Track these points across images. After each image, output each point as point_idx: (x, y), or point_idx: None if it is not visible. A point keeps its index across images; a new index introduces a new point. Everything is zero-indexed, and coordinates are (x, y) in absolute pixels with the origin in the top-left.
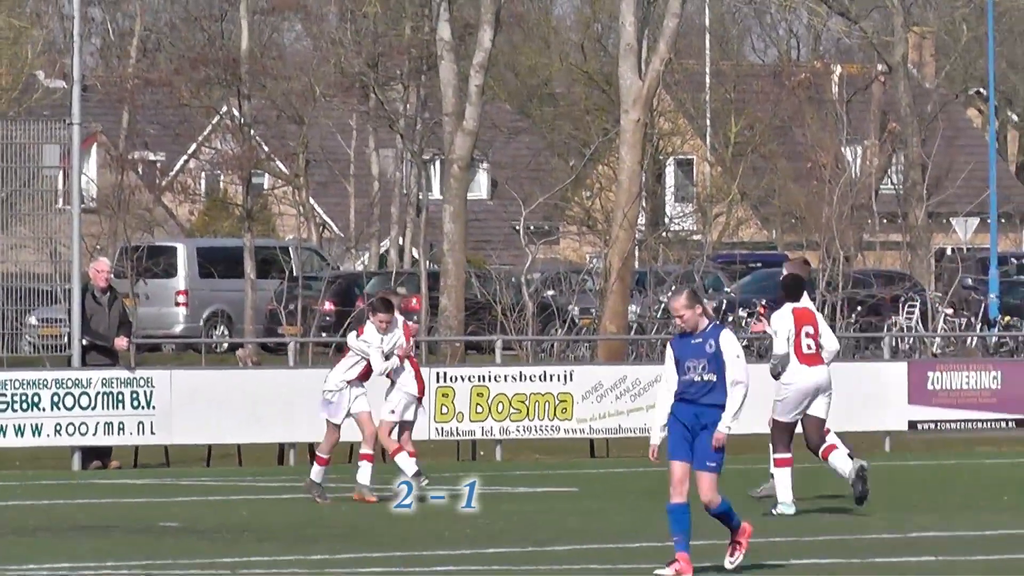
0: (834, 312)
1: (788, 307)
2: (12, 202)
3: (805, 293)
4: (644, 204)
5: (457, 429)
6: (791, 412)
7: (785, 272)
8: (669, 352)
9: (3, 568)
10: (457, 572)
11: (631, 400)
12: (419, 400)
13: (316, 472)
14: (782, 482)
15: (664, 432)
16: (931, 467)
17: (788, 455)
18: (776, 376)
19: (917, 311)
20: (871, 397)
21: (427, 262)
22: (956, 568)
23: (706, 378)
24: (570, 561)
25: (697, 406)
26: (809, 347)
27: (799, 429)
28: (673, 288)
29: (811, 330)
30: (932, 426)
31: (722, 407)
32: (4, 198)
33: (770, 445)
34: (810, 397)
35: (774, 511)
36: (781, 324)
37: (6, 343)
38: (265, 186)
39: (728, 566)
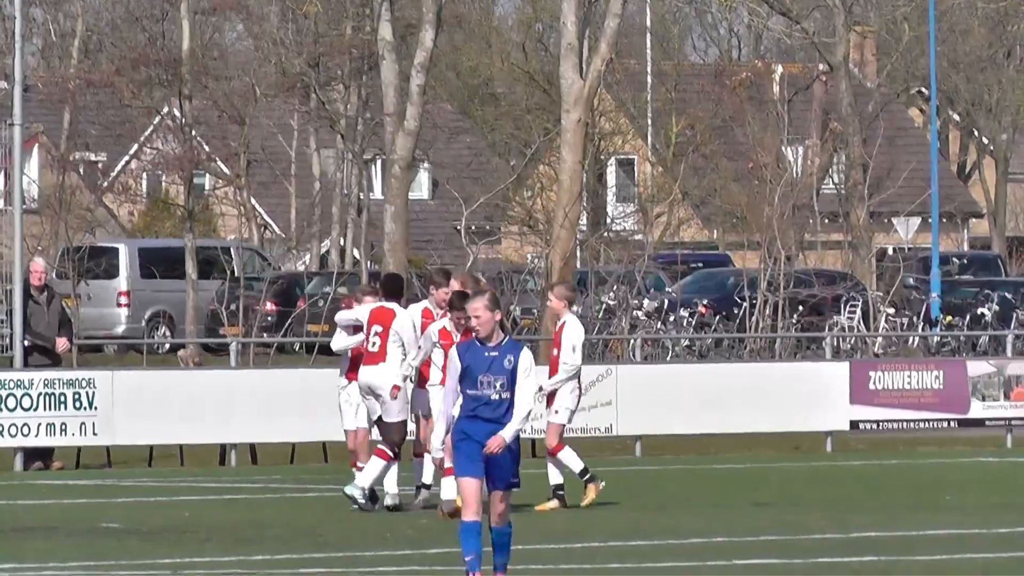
0: (775, 312)
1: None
2: None
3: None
4: (585, 204)
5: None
6: None
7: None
8: (455, 361)
9: None
10: (399, 573)
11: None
12: None
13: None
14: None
15: (445, 443)
16: (873, 467)
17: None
18: None
19: (859, 311)
20: (813, 397)
21: (368, 262)
22: (898, 568)
23: (503, 396)
24: (511, 561)
25: (493, 425)
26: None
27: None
28: (614, 289)
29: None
30: (874, 426)
31: None
32: None
33: None
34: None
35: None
36: None
37: None
38: (206, 186)
39: None
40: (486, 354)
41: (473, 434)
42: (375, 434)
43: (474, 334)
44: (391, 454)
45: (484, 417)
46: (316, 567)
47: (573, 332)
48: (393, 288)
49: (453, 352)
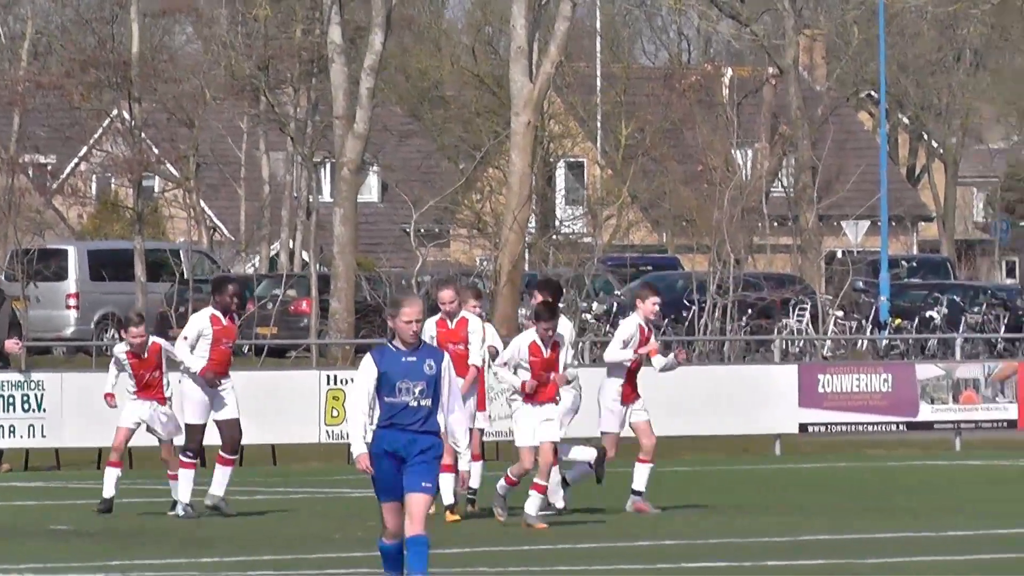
0: (724, 315)
1: None
2: None
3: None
4: (534, 207)
5: (347, 432)
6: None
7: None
8: (371, 368)
9: None
10: (347, 575)
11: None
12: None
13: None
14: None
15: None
16: (822, 470)
17: None
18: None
19: (807, 314)
20: (761, 400)
21: (317, 265)
22: (847, 570)
23: (423, 403)
24: (463, 564)
25: (411, 434)
26: None
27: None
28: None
29: None
30: (822, 429)
31: (437, 434)
32: None
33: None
34: None
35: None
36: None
37: None
38: (156, 189)
39: None
40: (404, 360)
41: (388, 444)
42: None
43: (398, 339)
44: None
45: (401, 425)
46: (265, 569)
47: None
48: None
49: (369, 361)
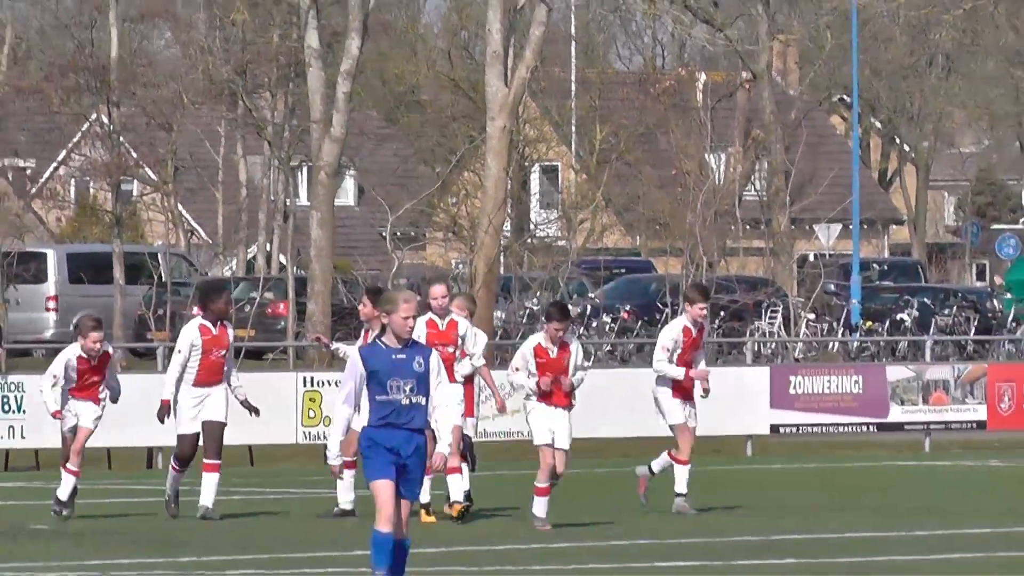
0: None
1: None
2: None
3: None
4: (510, 210)
5: (324, 433)
6: None
7: None
8: (359, 365)
9: None
10: (324, 574)
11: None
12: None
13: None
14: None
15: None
16: (793, 470)
17: None
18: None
19: (779, 316)
20: (734, 401)
21: (294, 268)
22: (817, 570)
23: (415, 400)
24: (435, 563)
25: (405, 431)
26: None
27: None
28: (538, 295)
29: None
30: (794, 430)
31: (428, 430)
32: None
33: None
34: None
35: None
36: None
37: None
38: (134, 193)
39: None
40: (394, 357)
41: (384, 441)
42: None
43: (389, 336)
44: None
45: (395, 424)
46: (244, 568)
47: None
48: None
49: (358, 358)
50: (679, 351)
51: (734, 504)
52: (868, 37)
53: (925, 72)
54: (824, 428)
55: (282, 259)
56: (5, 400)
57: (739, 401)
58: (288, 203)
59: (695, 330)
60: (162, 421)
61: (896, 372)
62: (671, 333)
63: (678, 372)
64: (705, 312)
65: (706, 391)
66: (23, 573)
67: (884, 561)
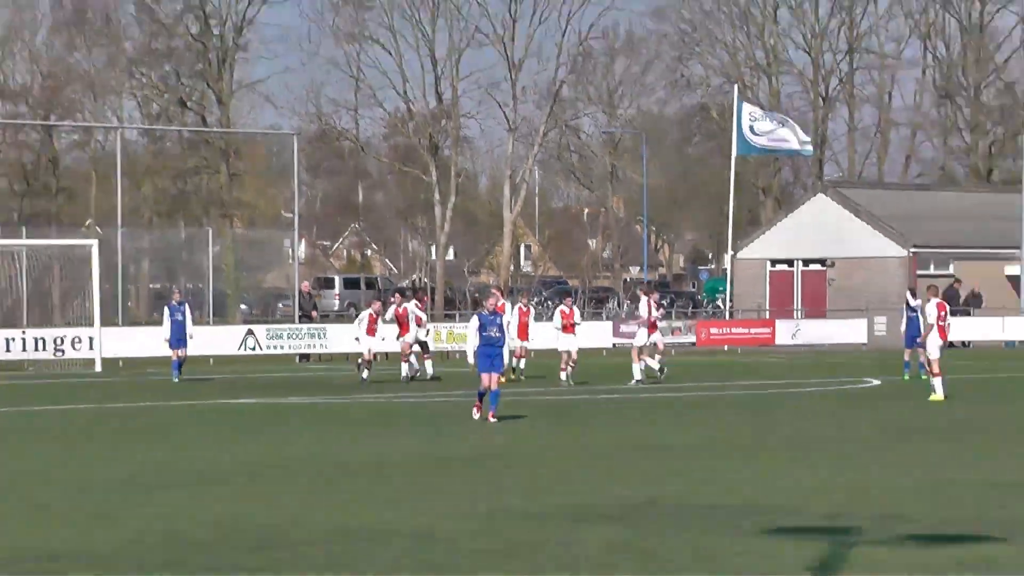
0: None
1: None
2: None
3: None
4: None
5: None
6: None
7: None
8: (476, 320)
9: None
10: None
11: None
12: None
13: None
14: None
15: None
16: None
17: None
18: None
19: None
20: None
21: None
22: None
23: (496, 335)
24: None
25: (494, 347)
26: None
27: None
28: None
29: None
30: None
31: (502, 347)
32: None
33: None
34: None
35: None
36: None
37: None
38: None
39: None
40: (490, 317)
41: (486, 352)
42: None
43: (485, 308)
44: None
45: (490, 345)
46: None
47: None
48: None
49: (475, 317)
50: None
51: None
52: None
53: None
54: None
55: None
56: None
57: None
58: None
59: None
60: None
61: None
62: None
63: None
64: None
65: None
66: None
67: None
